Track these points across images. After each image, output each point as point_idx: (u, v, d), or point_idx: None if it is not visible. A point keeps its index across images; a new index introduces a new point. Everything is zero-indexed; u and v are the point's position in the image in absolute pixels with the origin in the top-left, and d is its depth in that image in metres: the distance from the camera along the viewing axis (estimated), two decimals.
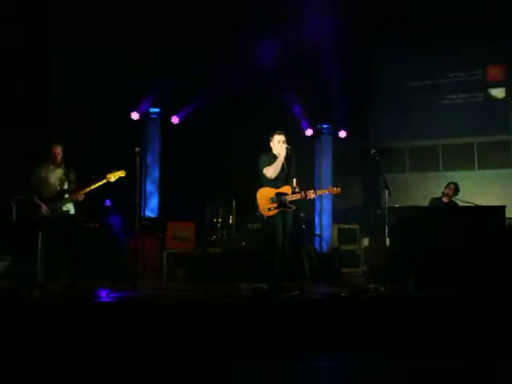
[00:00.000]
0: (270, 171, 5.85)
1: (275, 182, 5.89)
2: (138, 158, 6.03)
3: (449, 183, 7.81)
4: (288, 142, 5.93)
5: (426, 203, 7.80)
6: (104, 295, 5.46)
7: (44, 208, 6.11)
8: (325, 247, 9.66)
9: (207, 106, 9.34)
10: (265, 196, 5.86)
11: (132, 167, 6.06)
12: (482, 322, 4.62)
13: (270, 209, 5.82)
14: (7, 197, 6.99)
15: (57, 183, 6.23)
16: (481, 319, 4.67)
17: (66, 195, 6.19)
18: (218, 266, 7.54)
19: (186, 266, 7.78)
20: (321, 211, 10.34)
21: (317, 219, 10.39)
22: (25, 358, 4.04)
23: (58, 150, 6.30)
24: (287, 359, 4.19)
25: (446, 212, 7.29)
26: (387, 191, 6.24)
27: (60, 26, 8.48)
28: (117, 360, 4.11)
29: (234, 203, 8.11)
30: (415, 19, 9.67)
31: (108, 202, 8.10)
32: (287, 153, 5.84)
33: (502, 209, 6.70)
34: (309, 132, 10.44)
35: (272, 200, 5.83)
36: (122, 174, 6.11)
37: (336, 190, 6.03)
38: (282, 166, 5.87)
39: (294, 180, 5.91)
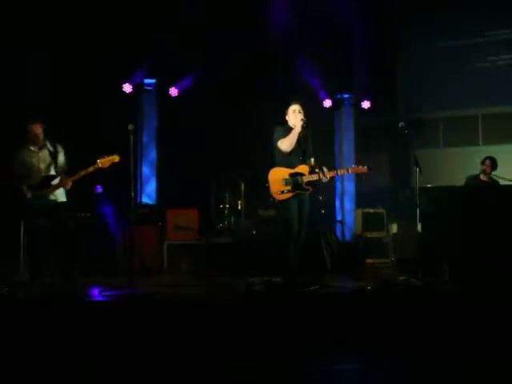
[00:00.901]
0: (285, 144, 5.82)
1: (290, 159, 5.86)
2: (131, 137, 6.01)
3: (484, 158, 7.76)
4: (305, 113, 5.91)
5: (462, 183, 7.74)
6: (97, 294, 5.47)
7: (28, 197, 5.99)
8: (347, 235, 9.67)
9: (210, 75, 9.26)
10: (277, 177, 5.83)
11: (125, 147, 6.03)
12: None
13: (283, 192, 5.79)
14: None
15: (42, 167, 6.10)
16: None
17: (54, 181, 6.07)
18: (225, 258, 7.57)
19: (189, 258, 7.82)
20: (342, 194, 10.33)
21: (338, 203, 10.39)
22: (9, 365, 4.09)
23: (38, 128, 6.10)
24: (304, 362, 4.21)
25: (487, 191, 7.22)
26: (418, 169, 6.20)
27: None
28: (112, 364, 4.15)
29: (242, 186, 8.12)
30: None
31: (99, 189, 8.13)
32: (303, 126, 5.80)
33: None
34: (327, 103, 10.37)
35: (286, 182, 5.81)
36: (115, 159, 6.04)
37: (362, 168, 5.97)
38: (298, 141, 5.83)
39: (312, 159, 5.87)
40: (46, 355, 4.29)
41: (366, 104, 10.40)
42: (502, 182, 7.57)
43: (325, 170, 5.84)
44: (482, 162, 7.73)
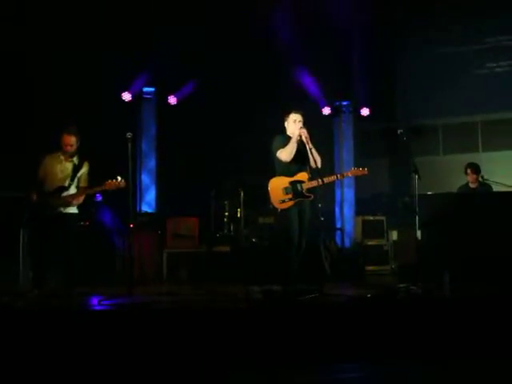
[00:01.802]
0: (285, 153, 5.84)
1: (290, 167, 5.88)
2: (130, 145, 6.01)
3: (465, 167, 7.73)
4: (305, 122, 5.93)
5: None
6: (95, 303, 5.46)
7: (34, 200, 6.03)
8: (347, 242, 9.65)
9: (210, 84, 9.29)
10: (277, 187, 5.86)
11: (124, 155, 6.04)
12: None
13: (284, 201, 5.82)
14: None
15: (60, 176, 6.15)
16: None
17: (64, 193, 6.11)
18: (225, 267, 7.56)
19: (188, 266, 7.81)
20: (342, 201, 10.31)
21: (337, 210, 10.38)
22: (9, 373, 4.09)
23: (69, 140, 6.16)
24: (304, 370, 4.20)
25: (486, 198, 7.23)
26: (417, 176, 6.20)
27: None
28: (111, 373, 4.14)
29: (242, 195, 8.09)
30: None
31: (98, 197, 8.11)
32: (303, 139, 5.78)
33: None
34: (326, 110, 10.37)
35: (286, 190, 5.83)
36: (121, 184, 6.07)
37: (361, 170, 6.03)
38: (298, 149, 5.84)
39: (316, 161, 5.84)
40: (44, 364, 4.28)
41: (365, 111, 10.38)
42: (495, 186, 7.56)
43: (326, 177, 5.84)
44: (465, 172, 7.72)
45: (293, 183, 5.84)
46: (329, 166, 9.59)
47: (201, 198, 8.59)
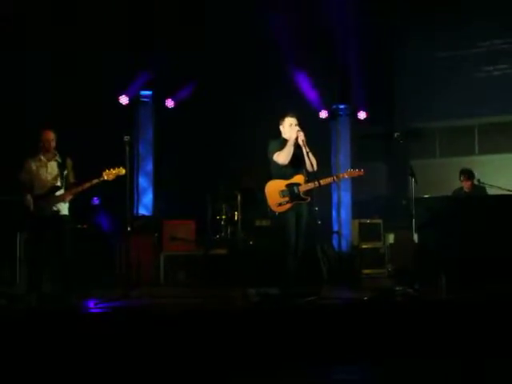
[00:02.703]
0: (282, 156, 5.84)
1: (286, 171, 5.88)
2: (127, 148, 6.04)
3: (459, 173, 7.74)
4: (301, 126, 5.92)
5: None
6: (92, 305, 5.46)
7: (31, 208, 6.00)
8: (344, 245, 9.66)
9: (207, 87, 9.30)
10: (274, 190, 5.85)
11: (121, 159, 6.06)
12: None
13: (281, 203, 5.81)
14: None
15: (49, 178, 6.12)
16: None
17: (58, 192, 6.09)
18: (222, 269, 7.56)
19: (186, 269, 7.82)
20: (338, 204, 10.34)
21: (334, 214, 10.40)
22: (7, 375, 4.09)
23: (50, 135, 6.13)
24: (302, 373, 4.20)
25: (482, 201, 7.25)
26: (413, 180, 6.22)
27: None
28: (108, 376, 4.14)
29: (239, 197, 8.09)
30: None
31: (96, 200, 8.12)
32: (299, 142, 5.80)
33: None
34: (323, 114, 10.40)
35: (283, 193, 5.82)
36: (120, 171, 6.05)
37: (357, 172, 6.04)
38: (295, 152, 5.85)
39: (312, 164, 5.86)
40: (42, 366, 4.27)
41: (362, 114, 10.41)
42: (491, 189, 7.57)
43: (322, 179, 5.86)
44: (459, 179, 7.72)
45: (289, 186, 5.83)
46: (326, 170, 9.60)
47: (198, 200, 8.59)
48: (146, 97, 9.64)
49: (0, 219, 6.72)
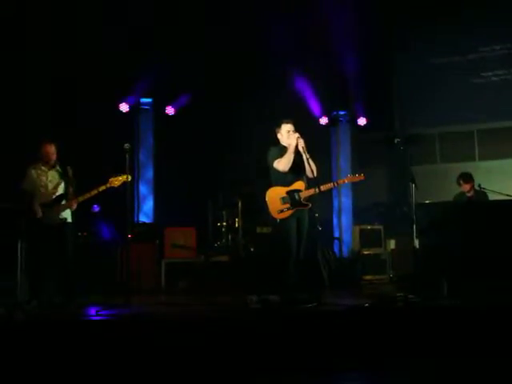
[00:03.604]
0: (282, 163, 5.87)
1: (286, 177, 5.90)
2: (128, 156, 6.06)
3: (458, 178, 7.71)
4: (298, 131, 5.95)
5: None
6: (93, 313, 5.44)
7: (39, 215, 6.06)
8: (345, 252, 9.69)
9: (207, 94, 9.33)
10: (275, 197, 5.87)
11: (122, 166, 6.09)
12: None
13: (282, 210, 5.83)
14: None
15: (50, 186, 6.19)
16: None
17: (64, 201, 6.16)
18: (223, 276, 7.58)
19: (187, 276, 7.81)
20: (339, 210, 10.34)
21: (335, 220, 10.41)
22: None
23: (51, 149, 6.22)
24: (304, 380, 4.19)
25: (485, 207, 7.23)
26: (414, 185, 6.22)
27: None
28: None
29: (239, 204, 8.10)
30: None
31: (96, 208, 8.12)
32: (299, 149, 5.82)
33: None
34: (323, 120, 10.44)
35: (283, 200, 5.85)
36: (126, 178, 6.10)
37: (357, 177, 6.07)
38: (295, 159, 5.87)
39: (313, 170, 5.87)
40: (43, 375, 4.27)
41: (362, 121, 10.43)
42: (492, 195, 7.57)
43: (322, 185, 5.87)
44: (458, 184, 7.71)
45: (290, 192, 5.86)
46: (326, 176, 9.64)
47: (198, 207, 8.64)
48: (146, 104, 9.66)
49: (1, 227, 6.71)
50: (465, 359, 4.48)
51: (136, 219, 9.19)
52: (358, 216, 10.04)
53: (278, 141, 6.09)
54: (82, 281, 6.48)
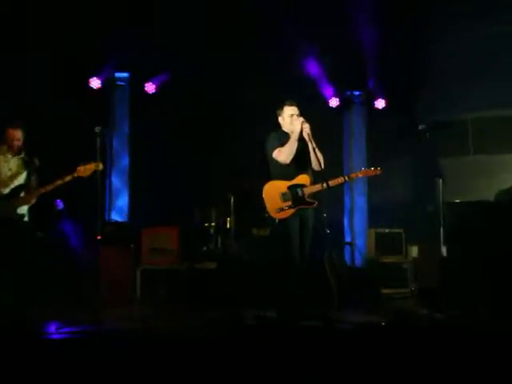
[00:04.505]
0: (284, 154, 5.88)
1: (288, 170, 5.91)
2: (99, 141, 6.06)
3: None
4: (305, 116, 5.94)
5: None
6: (53, 330, 5.41)
7: None
8: (358, 260, 9.68)
9: (194, 69, 9.27)
10: (274, 192, 5.89)
11: (91, 153, 6.07)
12: None
13: (282, 209, 5.84)
14: None
15: (8, 174, 6.28)
16: None
17: (22, 193, 6.24)
18: (211, 287, 7.54)
19: (167, 286, 7.78)
20: (351, 210, 10.38)
21: (346, 221, 10.46)
22: None
23: (17, 135, 6.33)
24: None
25: None
26: (441, 181, 6.22)
27: None
28: None
29: (232, 201, 8.12)
30: None
31: (59, 203, 8.10)
32: (303, 130, 5.82)
33: None
34: (334, 102, 10.43)
35: (284, 197, 5.87)
36: (97, 167, 6.12)
37: (373, 170, 6.07)
38: (298, 148, 5.88)
39: (320, 161, 5.84)
40: None
41: (380, 103, 10.46)
42: None
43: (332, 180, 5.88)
44: None
45: (292, 188, 5.87)
46: (336, 168, 9.62)
47: (182, 204, 8.64)
48: (121, 80, 9.62)
49: None
50: None
51: (107, 217, 9.19)
52: (374, 217, 10.09)
53: (279, 126, 6.11)
54: (41, 290, 6.48)
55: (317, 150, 5.88)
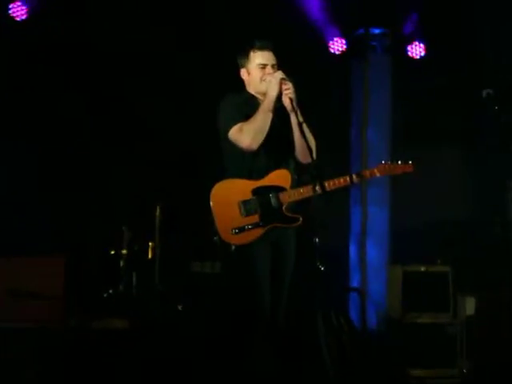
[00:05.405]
0: (248, 133, 5.85)
1: (254, 162, 5.93)
2: None
3: None
4: (285, 70, 5.91)
5: None
6: None
7: None
8: (373, 317, 9.71)
9: None
10: (229, 200, 5.89)
11: None
12: None
13: (242, 228, 5.81)
14: None
15: None
16: None
17: None
18: (117, 362, 7.51)
19: (39, 361, 7.69)
20: (363, 233, 10.35)
21: (353, 251, 10.54)
22: None
23: None
24: None
25: None
26: None
27: None
28: None
29: (158, 214, 8.19)
30: None
31: None
32: (282, 92, 5.80)
33: None
34: (339, 45, 10.53)
35: (246, 208, 5.84)
36: None
37: (401, 166, 6.08)
38: (274, 125, 5.86)
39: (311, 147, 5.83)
40: None
41: (416, 50, 10.51)
42: None
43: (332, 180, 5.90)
44: None
45: (260, 192, 5.84)
46: (339, 161, 9.70)
47: (71, 218, 8.65)
48: None
49: None
50: None
51: None
52: (400, 245, 10.13)
53: (242, 85, 6.12)
54: None
55: (305, 127, 5.82)
